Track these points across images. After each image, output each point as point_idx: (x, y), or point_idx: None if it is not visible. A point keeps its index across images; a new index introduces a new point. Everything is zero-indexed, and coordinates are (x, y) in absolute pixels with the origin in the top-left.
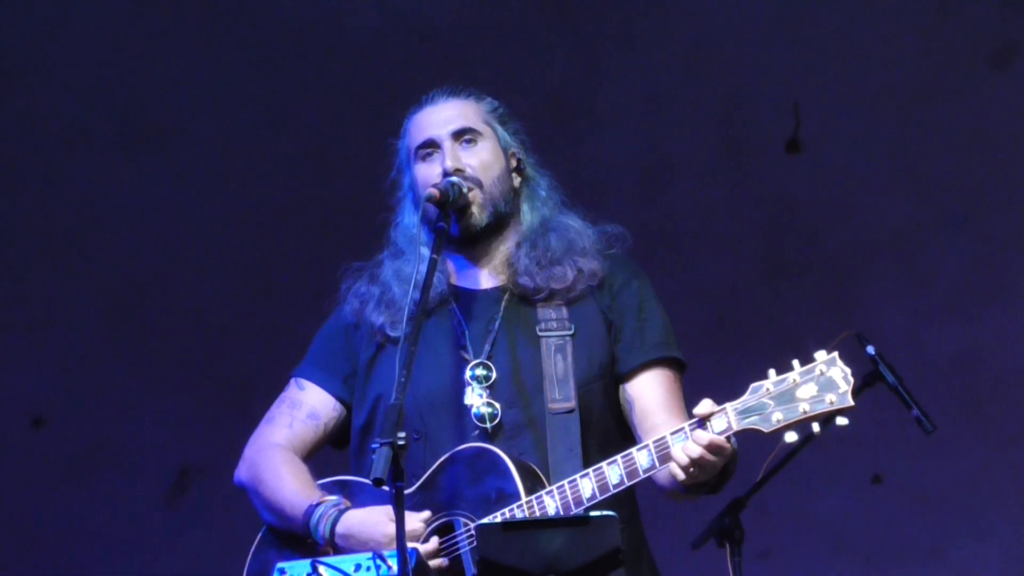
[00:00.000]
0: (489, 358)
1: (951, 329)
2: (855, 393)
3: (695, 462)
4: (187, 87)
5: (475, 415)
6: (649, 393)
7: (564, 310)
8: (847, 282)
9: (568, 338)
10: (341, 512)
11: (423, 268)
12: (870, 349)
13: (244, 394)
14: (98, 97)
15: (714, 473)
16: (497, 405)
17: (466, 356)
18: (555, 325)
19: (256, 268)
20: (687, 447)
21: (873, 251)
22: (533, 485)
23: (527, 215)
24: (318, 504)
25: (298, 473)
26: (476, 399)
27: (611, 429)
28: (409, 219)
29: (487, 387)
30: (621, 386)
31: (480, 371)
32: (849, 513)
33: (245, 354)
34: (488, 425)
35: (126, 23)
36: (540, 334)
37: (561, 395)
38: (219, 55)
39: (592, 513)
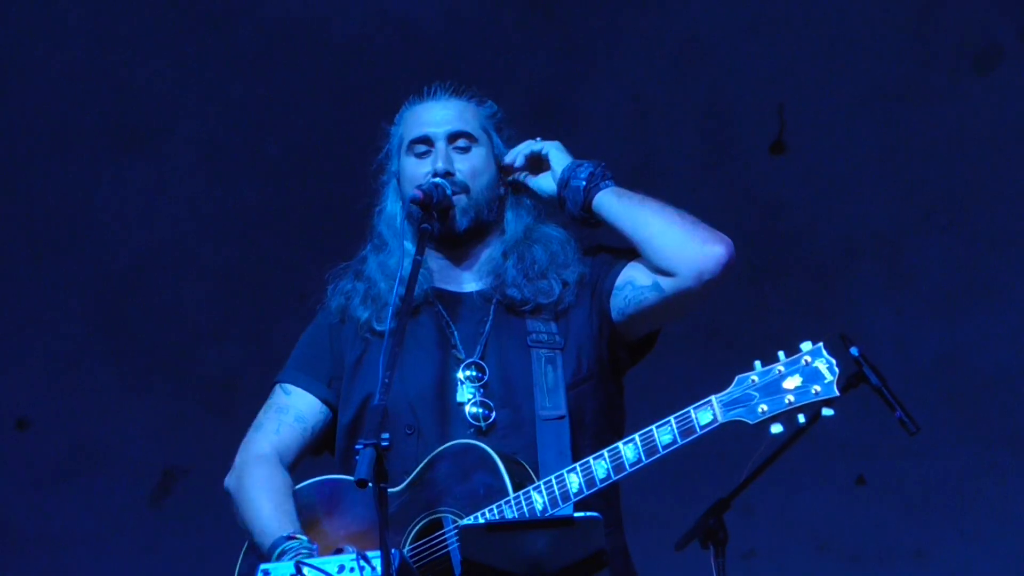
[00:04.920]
0: (481, 359)
1: (935, 330)
2: (841, 391)
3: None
4: (172, 89)
5: (469, 414)
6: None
7: (553, 324)
8: (832, 284)
9: (558, 351)
10: (312, 555)
11: (407, 264)
12: (854, 350)
13: (228, 396)
14: (82, 99)
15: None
16: (490, 404)
17: (458, 355)
18: (545, 339)
19: (240, 270)
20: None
21: (858, 253)
22: (521, 480)
23: (511, 223)
24: (289, 538)
25: (276, 495)
26: (469, 398)
27: (604, 431)
28: (392, 207)
29: (480, 386)
30: (616, 297)
31: (473, 371)
32: (833, 514)
33: (229, 356)
34: (482, 424)
35: (111, 25)
36: (531, 345)
37: (551, 403)
38: (204, 57)
39: (576, 514)
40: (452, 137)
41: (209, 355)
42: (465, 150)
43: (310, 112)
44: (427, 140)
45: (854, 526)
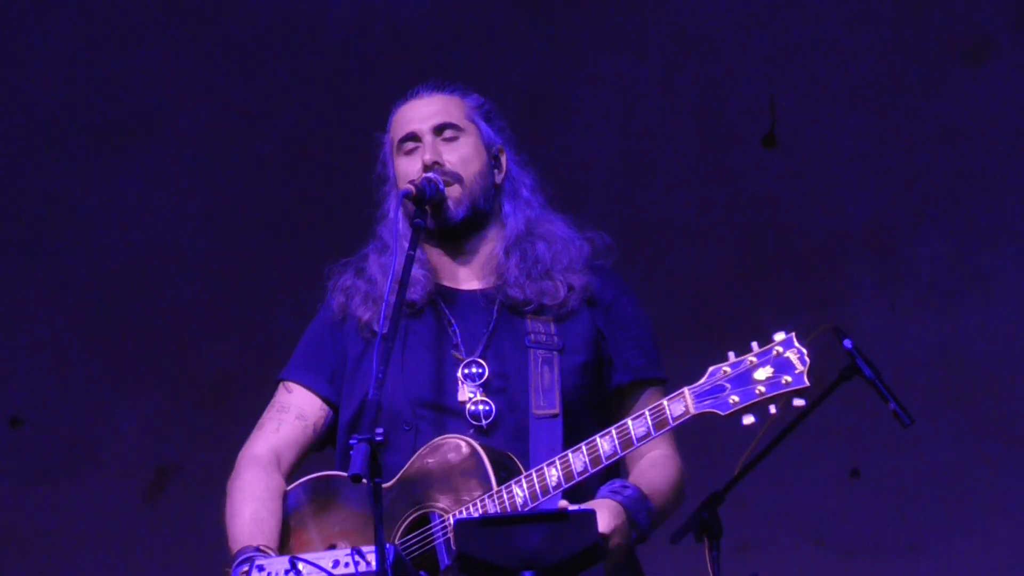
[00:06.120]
0: (482, 358)
1: (928, 323)
2: (834, 385)
3: None
4: (163, 85)
5: (469, 413)
6: (634, 412)
7: (553, 326)
8: (824, 277)
9: (556, 353)
10: None
11: (401, 267)
12: (847, 343)
13: (222, 392)
14: (73, 95)
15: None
16: (492, 404)
17: (458, 355)
18: (544, 339)
19: (233, 266)
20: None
21: (850, 245)
22: (507, 475)
23: (510, 215)
24: (256, 549)
25: (255, 502)
26: (470, 397)
27: (598, 430)
28: (394, 213)
29: (480, 385)
30: (609, 400)
31: (474, 369)
32: (827, 507)
33: (223, 352)
34: (483, 423)
35: (101, 22)
36: (528, 346)
37: (546, 402)
38: (195, 52)
39: (570, 508)
40: (438, 129)
41: (203, 352)
42: (452, 139)
43: (301, 108)
44: (414, 137)
45: (848, 519)
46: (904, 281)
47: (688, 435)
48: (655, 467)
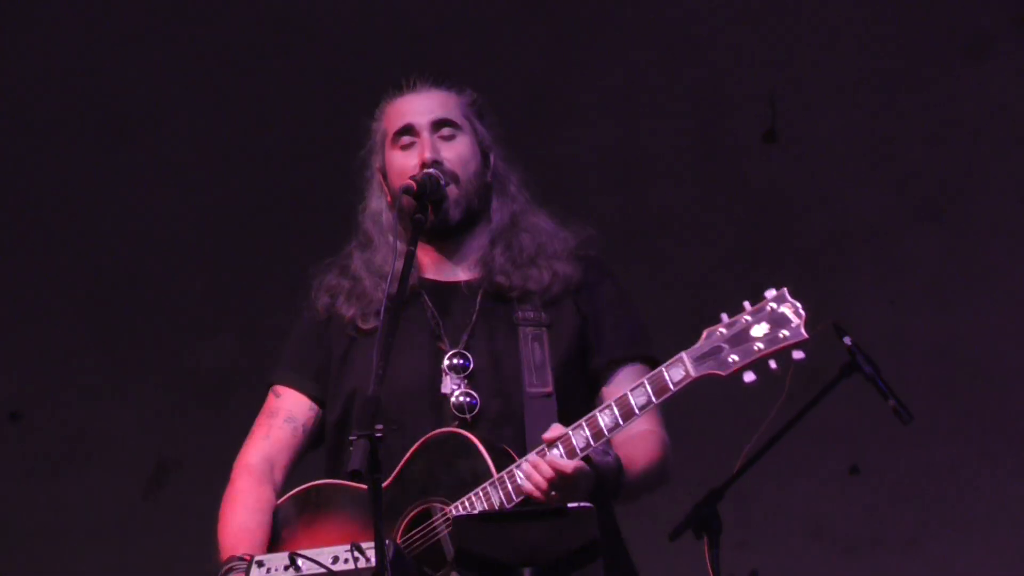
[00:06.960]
0: (466, 348)
1: (929, 319)
2: (833, 382)
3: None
4: (162, 81)
5: (454, 405)
6: (619, 392)
7: (540, 309)
8: (824, 273)
9: (544, 329)
10: None
11: (398, 263)
12: (847, 339)
13: (220, 388)
14: (73, 91)
15: (583, 492)
16: (475, 395)
17: (442, 347)
18: (532, 317)
19: (233, 262)
20: (530, 478)
21: (850, 242)
22: (504, 463)
23: (496, 211)
24: (240, 560)
25: (245, 512)
26: (454, 389)
27: (592, 409)
28: (377, 204)
29: (464, 377)
30: (595, 381)
31: (457, 361)
32: (827, 504)
33: (221, 348)
34: (468, 415)
35: (102, 16)
36: (517, 323)
37: (539, 380)
38: (195, 48)
39: (569, 504)
40: (436, 125)
41: (202, 347)
42: (450, 138)
43: (302, 104)
44: (411, 129)
45: (847, 515)
46: (904, 277)
47: (687, 432)
48: (634, 440)
